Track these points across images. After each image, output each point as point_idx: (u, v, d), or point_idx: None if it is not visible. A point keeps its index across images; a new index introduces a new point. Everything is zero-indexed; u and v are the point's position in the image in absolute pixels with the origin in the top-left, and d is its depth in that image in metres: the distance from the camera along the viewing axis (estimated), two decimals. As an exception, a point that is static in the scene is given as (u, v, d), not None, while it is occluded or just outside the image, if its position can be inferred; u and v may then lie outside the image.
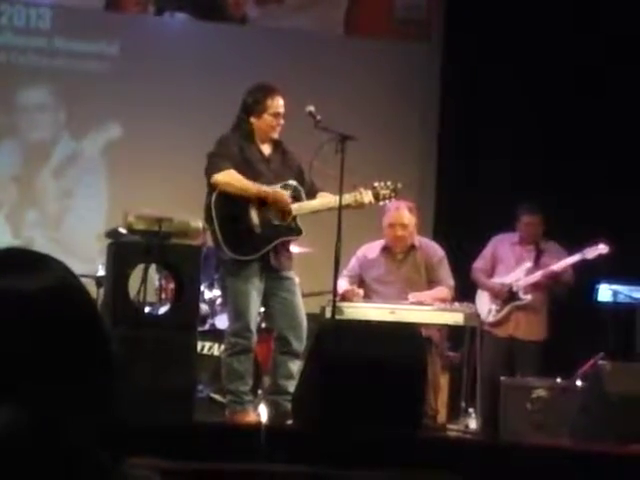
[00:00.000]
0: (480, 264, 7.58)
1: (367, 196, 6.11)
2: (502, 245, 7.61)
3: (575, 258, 7.34)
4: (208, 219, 5.92)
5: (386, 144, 9.13)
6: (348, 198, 6.02)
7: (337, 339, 4.22)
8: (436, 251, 6.95)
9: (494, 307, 7.41)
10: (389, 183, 6.18)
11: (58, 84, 8.89)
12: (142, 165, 8.81)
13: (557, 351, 7.42)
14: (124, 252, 5.91)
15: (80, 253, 8.21)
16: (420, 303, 6.51)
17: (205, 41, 9.17)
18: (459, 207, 8.74)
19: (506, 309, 7.41)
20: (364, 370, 3.83)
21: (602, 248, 7.24)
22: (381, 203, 6.25)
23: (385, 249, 6.94)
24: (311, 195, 6.10)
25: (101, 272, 6.81)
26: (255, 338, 5.98)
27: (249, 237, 5.89)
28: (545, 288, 7.47)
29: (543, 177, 8.51)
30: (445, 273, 6.87)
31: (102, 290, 6.53)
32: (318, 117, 6.03)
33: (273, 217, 5.96)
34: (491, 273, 7.56)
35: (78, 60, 8.97)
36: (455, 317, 6.43)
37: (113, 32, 9.04)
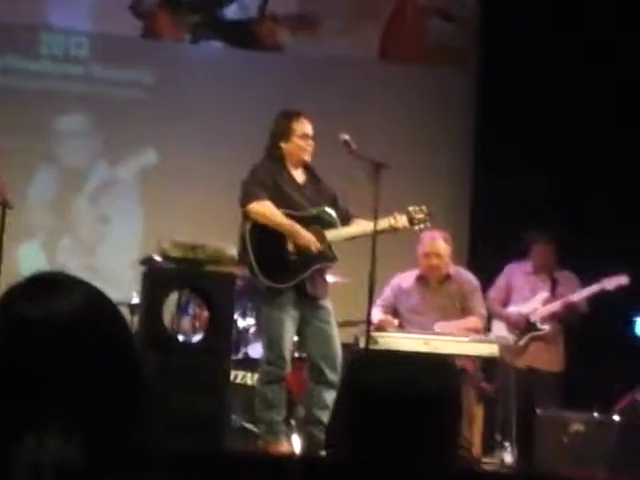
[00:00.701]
0: (494, 294, 7.52)
1: (401, 221, 6.11)
2: (516, 274, 7.58)
3: (594, 289, 7.26)
4: (243, 247, 5.93)
5: (420, 170, 9.13)
6: (382, 223, 6.01)
7: (371, 369, 4.21)
8: (470, 281, 6.92)
9: (511, 337, 7.36)
10: (423, 207, 6.18)
11: (95, 111, 8.96)
12: (177, 192, 8.84)
13: (594, 384, 7.35)
14: (158, 279, 5.93)
15: (114, 280, 8.23)
16: (446, 333, 6.48)
17: (239, 69, 9.22)
18: (493, 235, 8.70)
19: (524, 339, 7.36)
20: (398, 401, 3.82)
21: (622, 279, 7.17)
22: (416, 228, 6.25)
23: (420, 278, 6.92)
24: (345, 222, 6.11)
25: (135, 299, 6.83)
26: (289, 367, 5.96)
27: (284, 265, 5.89)
28: (561, 318, 7.43)
29: (579, 204, 8.44)
30: (477, 302, 6.84)
31: (136, 317, 6.54)
32: (353, 145, 6.04)
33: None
34: (505, 303, 7.52)
35: (114, 87, 9.04)
36: (490, 349, 6.39)
37: (149, 60, 9.12)
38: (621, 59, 8.59)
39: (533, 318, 7.35)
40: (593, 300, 7.38)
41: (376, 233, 5.93)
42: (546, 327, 7.34)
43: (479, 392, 6.73)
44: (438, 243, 6.79)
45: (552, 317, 7.37)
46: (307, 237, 5.93)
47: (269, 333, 5.92)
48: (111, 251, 8.86)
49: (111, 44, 8.95)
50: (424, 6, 9.55)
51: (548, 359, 7.40)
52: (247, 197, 5.91)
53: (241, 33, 9.31)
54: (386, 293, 6.91)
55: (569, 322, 7.46)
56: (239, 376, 6.87)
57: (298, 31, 9.38)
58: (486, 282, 7.08)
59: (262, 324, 6.07)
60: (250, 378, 6.84)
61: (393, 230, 6.10)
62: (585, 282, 7.34)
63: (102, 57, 9.01)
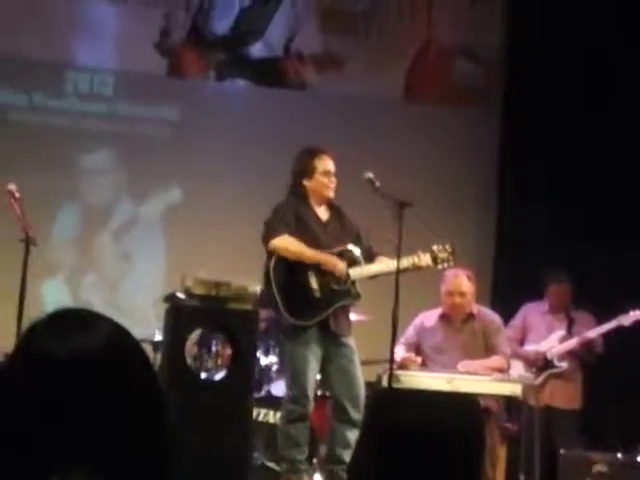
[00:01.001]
0: (511, 333, 7.51)
1: (425, 259, 6.11)
2: (533, 314, 7.62)
3: (611, 325, 7.28)
4: (267, 285, 5.94)
5: (445, 209, 9.13)
6: (406, 262, 6.01)
7: (393, 408, 4.20)
8: (494, 320, 6.91)
9: (529, 376, 7.33)
10: (447, 246, 6.18)
11: (119, 148, 9.02)
12: (201, 230, 8.87)
13: (618, 425, 7.30)
14: (181, 316, 5.95)
15: (138, 317, 8.25)
16: (469, 372, 6.46)
17: (265, 107, 9.26)
18: (518, 274, 8.68)
19: (542, 377, 7.34)
20: (421, 440, 3.80)
21: (639, 314, 7.18)
22: (439, 266, 6.25)
23: (443, 317, 6.91)
24: (369, 259, 6.11)
25: (158, 336, 6.85)
26: (312, 405, 5.95)
27: (308, 302, 5.90)
28: (578, 356, 7.42)
29: (601, 246, 8.41)
30: (502, 342, 6.83)
31: (159, 355, 6.55)
32: (377, 183, 6.06)
33: (332, 281, 5.97)
34: (522, 342, 7.53)
35: (139, 125, 9.11)
36: (513, 388, 6.36)
37: (174, 97, 9.18)
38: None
39: (550, 356, 7.35)
40: (610, 338, 7.37)
41: (399, 271, 5.93)
42: (564, 364, 7.34)
43: (503, 432, 6.70)
44: (462, 281, 6.79)
45: (569, 355, 7.38)
46: (333, 260, 5.94)
47: (292, 370, 5.92)
48: (134, 288, 8.89)
49: (136, 82, 9.02)
50: (449, 47, 9.59)
51: (566, 397, 7.39)
52: (269, 234, 5.94)
53: (266, 71, 9.37)
54: (409, 332, 6.90)
55: (585, 361, 7.45)
56: (261, 414, 6.86)
57: (323, 70, 9.44)
58: (509, 321, 7.07)
59: (285, 361, 6.07)
60: (272, 416, 6.82)
61: (416, 269, 6.10)
62: (602, 320, 7.34)
63: (127, 94, 9.08)
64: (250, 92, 9.42)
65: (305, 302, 5.90)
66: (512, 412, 6.91)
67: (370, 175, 6.09)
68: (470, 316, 6.87)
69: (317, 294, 5.92)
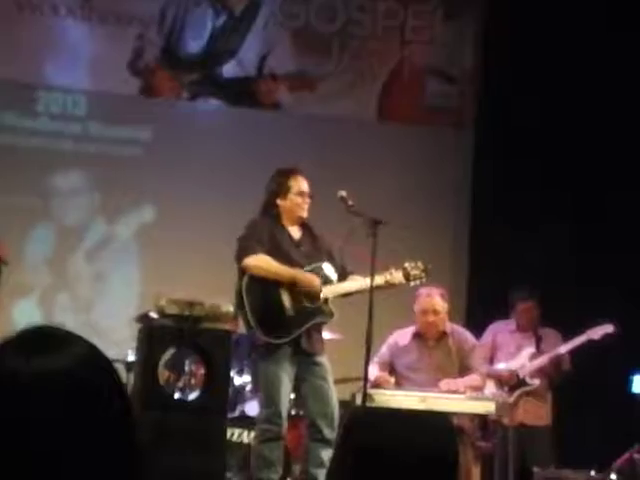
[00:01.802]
0: (480, 352, 7.52)
1: (397, 276, 6.12)
2: (501, 333, 7.63)
3: (581, 339, 7.28)
4: (239, 304, 5.92)
5: (418, 228, 9.14)
6: (379, 279, 6.02)
7: (367, 427, 4.19)
8: (468, 338, 6.92)
9: (501, 394, 7.33)
10: (419, 263, 6.19)
11: (92, 168, 8.99)
12: (175, 249, 8.84)
13: (591, 443, 7.32)
14: (155, 336, 5.92)
15: (111, 337, 8.20)
16: (452, 391, 6.45)
17: (238, 127, 9.26)
18: (492, 293, 8.69)
19: (515, 395, 7.34)
20: (394, 460, 3.80)
21: (607, 327, 7.19)
22: (412, 284, 6.27)
23: (417, 336, 6.91)
24: (342, 278, 6.12)
25: (131, 357, 6.81)
26: (286, 425, 5.93)
27: (281, 320, 5.89)
28: (547, 374, 7.43)
29: (589, 264, 8.44)
30: (477, 361, 6.84)
31: (132, 375, 6.51)
32: (350, 202, 6.07)
33: (305, 300, 5.96)
34: (491, 361, 7.54)
35: (112, 145, 9.08)
36: (487, 406, 6.36)
37: (147, 117, 9.16)
38: (622, 119, 8.64)
39: (522, 374, 7.35)
40: (577, 354, 7.38)
41: (373, 289, 5.93)
42: (536, 382, 7.35)
43: (476, 451, 6.69)
44: (435, 300, 6.79)
45: (540, 372, 7.38)
46: (308, 277, 5.93)
47: (266, 390, 5.90)
48: (108, 308, 8.84)
49: (109, 102, 8.99)
50: (422, 67, 9.62)
51: (538, 414, 7.43)
52: (243, 252, 5.93)
53: (239, 91, 9.37)
54: (383, 351, 6.89)
55: (553, 379, 7.47)
56: (235, 434, 6.83)
57: (297, 90, 9.44)
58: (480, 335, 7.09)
59: (259, 381, 6.04)
60: (246, 436, 6.80)
61: (389, 286, 6.11)
62: (570, 336, 7.36)
63: (100, 115, 9.05)
64: (223, 112, 9.41)
65: (278, 320, 5.89)
66: (486, 431, 6.92)
67: (343, 194, 6.10)
68: (444, 335, 6.87)
69: (290, 312, 5.92)
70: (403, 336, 6.96)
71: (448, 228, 9.41)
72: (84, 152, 9.01)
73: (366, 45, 9.57)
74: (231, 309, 6.06)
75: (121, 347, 7.27)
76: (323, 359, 6.02)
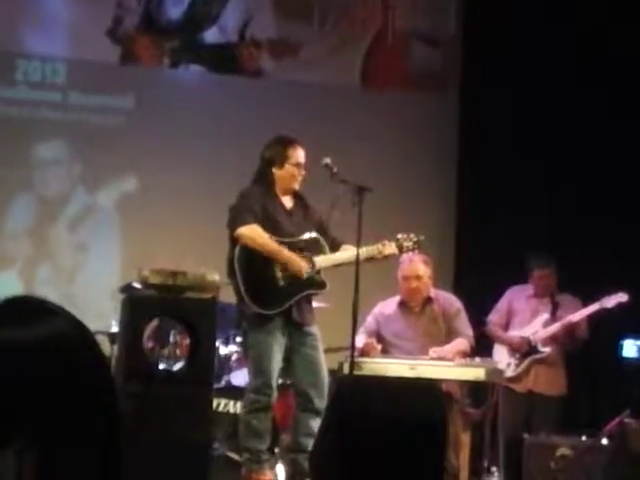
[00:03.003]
0: (495, 317, 7.53)
1: (390, 248, 6.13)
2: (517, 298, 7.58)
3: (594, 307, 7.26)
4: (231, 273, 5.91)
5: (404, 195, 9.14)
6: (371, 250, 6.03)
7: (354, 396, 4.20)
8: (453, 302, 6.92)
9: (513, 361, 7.34)
10: (412, 235, 6.21)
11: (73, 138, 8.94)
12: (157, 219, 8.82)
13: (581, 408, 7.34)
14: (138, 306, 5.90)
15: (94, 309, 8.19)
16: (442, 358, 6.46)
17: (220, 94, 9.21)
18: (480, 259, 8.71)
19: (525, 363, 7.34)
20: (382, 428, 3.81)
21: (621, 296, 7.17)
22: (404, 255, 6.28)
23: (401, 304, 6.92)
24: (334, 248, 6.11)
25: (115, 328, 6.80)
26: (275, 395, 5.94)
27: (273, 291, 5.89)
28: (561, 341, 7.41)
29: (565, 228, 8.45)
30: (463, 324, 6.84)
31: (116, 346, 6.51)
32: (335, 169, 6.04)
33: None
34: (506, 326, 7.52)
35: (93, 114, 9.03)
36: (476, 372, 6.37)
37: (128, 85, 9.11)
38: (614, 76, 8.61)
39: (534, 341, 7.33)
40: (593, 323, 7.36)
41: (365, 260, 5.94)
42: (547, 350, 7.32)
43: (466, 418, 6.71)
44: (417, 265, 6.79)
45: (553, 339, 7.34)
46: (298, 263, 5.93)
47: (256, 360, 5.89)
48: (90, 279, 8.82)
49: (89, 70, 8.93)
50: (406, 31, 9.58)
51: (549, 383, 7.37)
52: (236, 221, 5.90)
53: (221, 57, 9.32)
54: (369, 320, 6.90)
55: (569, 347, 7.43)
56: (222, 404, 6.85)
57: (279, 56, 9.40)
58: (473, 307, 7.06)
59: (248, 351, 6.03)
60: (233, 406, 6.81)
61: (382, 258, 6.12)
62: (588, 304, 7.33)
63: (80, 83, 8.99)
64: (205, 79, 9.36)
65: (269, 291, 5.88)
66: (476, 397, 6.93)
67: (327, 161, 6.08)
68: (428, 300, 6.87)
69: (281, 283, 5.92)
70: (388, 305, 6.96)
71: (434, 196, 9.41)
72: (64, 121, 8.95)
73: (349, 10, 9.52)
74: (216, 278, 6.05)
75: (104, 319, 7.27)
76: (314, 329, 6.03)
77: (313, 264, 5.97)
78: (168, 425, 5.49)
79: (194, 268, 6.09)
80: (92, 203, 9.00)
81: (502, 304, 7.58)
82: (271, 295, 5.88)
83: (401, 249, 6.18)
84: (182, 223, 8.74)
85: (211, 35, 9.32)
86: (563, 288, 7.52)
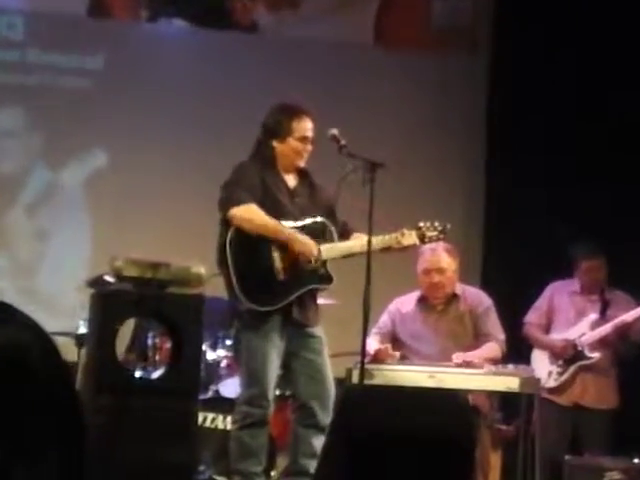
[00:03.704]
0: (534, 318, 7.54)
1: (411, 237, 6.11)
2: (560, 295, 7.57)
3: None
4: (222, 261, 5.90)
5: (424, 174, 9.16)
6: (387, 240, 6.02)
7: (365, 409, 4.20)
8: (482, 299, 6.93)
9: (555, 369, 7.35)
10: (436, 223, 6.19)
11: (31, 104, 8.94)
12: (132, 200, 8.84)
13: (635, 424, 7.33)
14: (111, 304, 5.92)
15: (57, 306, 8.22)
16: (467, 365, 6.47)
17: (207, 52, 9.22)
18: (511, 250, 8.72)
19: (570, 371, 7.35)
20: (398, 447, 3.80)
21: None
22: (427, 246, 6.27)
23: (421, 300, 6.93)
24: (344, 236, 6.10)
25: (83, 329, 6.82)
26: (272, 408, 5.95)
27: (270, 284, 5.88)
28: (613, 345, 7.41)
29: (610, 212, 8.45)
30: (493, 325, 6.85)
31: (84, 350, 6.53)
32: (342, 141, 6.05)
33: (300, 260, 5.95)
34: (547, 328, 7.52)
35: (56, 76, 9.04)
36: (509, 382, 6.37)
37: (97, 42, 9.11)
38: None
39: (580, 345, 7.33)
40: None
41: (380, 251, 5.96)
42: (596, 355, 7.33)
43: (496, 435, 6.73)
44: (440, 256, 6.79)
45: (603, 343, 7.34)
46: (308, 243, 5.92)
47: (250, 366, 5.91)
48: (53, 272, 8.84)
49: (51, 24, 8.94)
50: (426, -22, 9.60)
51: (598, 395, 7.38)
52: (230, 200, 5.89)
53: (209, 9, 9.32)
54: (383, 319, 6.91)
55: (622, 351, 7.43)
56: (208, 419, 6.87)
57: (276, 9, 9.40)
58: (504, 305, 7.06)
59: (241, 355, 6.05)
60: (222, 421, 6.84)
61: (401, 248, 6.12)
62: None
63: (40, 40, 9.00)
64: (190, 35, 9.37)
65: (266, 284, 5.88)
66: (510, 410, 6.93)
67: (334, 132, 6.08)
68: (453, 297, 6.89)
69: (281, 275, 5.91)
70: (406, 302, 6.97)
71: (460, 172, 9.42)
72: (22, 84, 8.96)
73: (359, -46, 9.54)
74: (203, 271, 6.06)
75: (70, 317, 7.29)
76: (318, 331, 6.02)
77: (319, 253, 5.97)
78: (146, 444, 5.51)
79: (176, 259, 6.10)
80: (55, 181, 9.01)
81: (542, 302, 7.58)
82: (268, 289, 5.88)
83: (423, 239, 6.16)
84: (162, 206, 8.76)
85: (197, -17, 9.33)
86: (614, 285, 7.51)
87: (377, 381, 6.29)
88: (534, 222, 8.62)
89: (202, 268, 6.07)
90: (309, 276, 5.98)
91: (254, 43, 9.36)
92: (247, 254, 5.87)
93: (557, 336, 7.44)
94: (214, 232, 6.00)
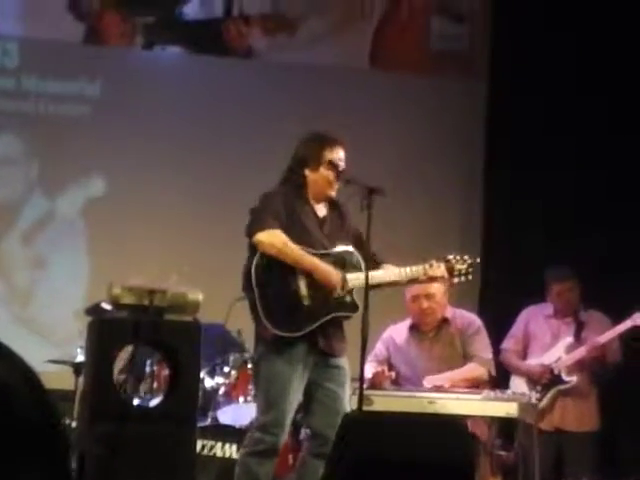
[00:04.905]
0: (510, 344, 7.54)
1: (439, 270, 6.07)
2: (535, 319, 7.59)
3: (625, 326, 7.25)
4: (247, 287, 5.88)
5: (421, 197, 9.16)
6: (415, 271, 6.01)
7: (364, 435, 4.17)
8: (471, 322, 6.94)
9: (534, 394, 7.33)
10: (466, 257, 6.18)
11: (28, 132, 8.96)
12: (129, 228, 8.84)
13: (621, 446, 7.34)
14: (108, 331, 5.91)
15: (54, 334, 8.21)
16: (437, 389, 6.48)
17: (203, 79, 9.24)
18: (509, 270, 8.72)
19: (549, 396, 7.34)
20: (398, 474, 3.78)
21: None
22: (455, 280, 6.23)
23: (413, 328, 6.94)
24: (373, 267, 6.06)
25: (80, 357, 6.81)
26: (285, 438, 5.90)
27: (295, 310, 5.84)
28: (589, 368, 7.41)
29: (609, 228, 8.47)
30: (480, 345, 6.85)
31: (81, 379, 6.52)
32: (340, 167, 6.05)
33: (325, 288, 5.92)
34: (524, 354, 7.53)
35: (52, 103, 9.05)
36: (508, 408, 6.36)
37: (93, 69, 9.13)
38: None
39: (557, 369, 7.33)
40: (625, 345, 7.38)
41: (407, 282, 6.03)
42: (573, 379, 7.33)
43: (495, 461, 6.72)
44: (428, 282, 6.80)
45: (579, 366, 7.35)
46: (330, 273, 5.90)
47: (268, 392, 5.84)
48: (50, 300, 8.83)
49: (47, 51, 8.96)
50: (423, 4, 9.61)
51: (579, 418, 7.38)
52: (256, 225, 5.88)
53: (204, 36, 9.35)
54: (378, 347, 6.93)
55: (598, 374, 7.44)
56: (207, 446, 6.85)
57: (272, 33, 9.42)
58: (502, 322, 7.07)
59: (260, 380, 6.00)
60: (220, 449, 6.81)
61: (429, 280, 6.12)
62: (617, 323, 7.33)
63: (36, 66, 9.02)
64: (185, 61, 9.40)
65: (291, 310, 5.84)
66: (506, 437, 6.94)
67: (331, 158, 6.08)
68: (444, 322, 6.89)
69: (306, 301, 5.88)
70: (399, 331, 6.98)
71: (457, 197, 9.42)
72: (18, 112, 8.98)
73: (355, -21, 9.57)
74: (200, 298, 6.06)
75: (67, 346, 7.27)
76: (343, 362, 5.96)
77: (345, 282, 5.95)
78: (144, 472, 5.50)
79: (174, 285, 6.10)
80: (51, 209, 9.01)
81: (517, 328, 7.61)
82: (293, 315, 5.84)
83: (451, 272, 6.13)
84: (159, 232, 8.75)
85: (192, 9, 9.35)
86: (591, 303, 7.52)
87: (376, 407, 6.27)
88: (532, 240, 8.65)
89: (199, 294, 6.06)
90: (335, 304, 5.94)
91: (250, 68, 9.38)
92: (273, 279, 5.85)
93: (534, 361, 7.45)
94: (213, 258, 6.01)
